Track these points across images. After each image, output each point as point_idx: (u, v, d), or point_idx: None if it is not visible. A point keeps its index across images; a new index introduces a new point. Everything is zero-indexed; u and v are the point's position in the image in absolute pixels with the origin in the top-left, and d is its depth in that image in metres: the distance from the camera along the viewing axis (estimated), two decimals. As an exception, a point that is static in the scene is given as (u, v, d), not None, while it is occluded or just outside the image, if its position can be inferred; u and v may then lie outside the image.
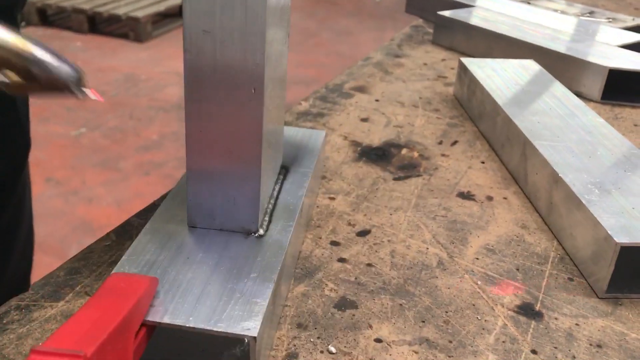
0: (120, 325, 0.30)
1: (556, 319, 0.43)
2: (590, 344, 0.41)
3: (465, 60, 0.80)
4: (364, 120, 0.74)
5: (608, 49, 0.87)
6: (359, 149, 0.67)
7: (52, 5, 3.86)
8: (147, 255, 0.40)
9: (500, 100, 0.68)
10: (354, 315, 0.43)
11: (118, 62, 3.36)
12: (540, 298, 0.45)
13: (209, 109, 0.39)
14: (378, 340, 0.40)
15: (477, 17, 1.02)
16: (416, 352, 0.40)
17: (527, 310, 0.44)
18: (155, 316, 0.34)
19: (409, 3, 1.23)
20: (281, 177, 0.50)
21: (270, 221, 0.44)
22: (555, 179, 0.53)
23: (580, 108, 0.67)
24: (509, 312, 0.44)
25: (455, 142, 0.69)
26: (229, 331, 0.33)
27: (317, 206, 0.55)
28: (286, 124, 0.71)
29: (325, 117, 0.74)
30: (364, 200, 0.57)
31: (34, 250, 0.85)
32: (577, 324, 0.43)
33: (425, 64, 0.95)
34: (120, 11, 3.70)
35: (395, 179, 0.61)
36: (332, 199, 0.57)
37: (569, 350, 0.41)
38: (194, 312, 0.35)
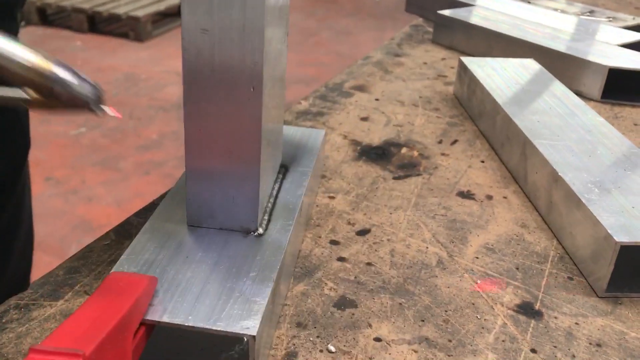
0: (119, 324, 0.30)
1: (556, 318, 0.43)
2: (590, 343, 0.41)
3: (465, 60, 0.80)
4: (364, 119, 0.74)
5: (608, 48, 0.87)
6: (358, 148, 0.67)
7: (51, 5, 3.86)
8: (147, 255, 0.40)
9: (500, 100, 0.68)
10: (353, 314, 0.42)
11: (118, 61, 3.36)
12: (540, 297, 0.45)
13: (208, 108, 0.39)
14: (377, 339, 0.40)
15: (477, 16, 1.02)
16: (416, 351, 0.40)
17: (527, 310, 0.44)
18: (154, 315, 0.34)
19: (409, 2, 1.23)
20: (280, 176, 0.50)
21: (269, 220, 0.44)
22: (555, 178, 0.53)
23: (580, 107, 0.67)
24: (509, 311, 0.44)
25: (455, 141, 0.69)
26: (228, 330, 0.33)
27: (317, 205, 0.55)
28: (286, 123, 0.71)
29: (325, 116, 0.74)
30: (364, 200, 0.57)
31: (34, 250, 0.85)
32: (576, 323, 0.43)
33: (425, 63, 0.95)
34: (120, 10, 3.70)
35: (395, 178, 0.61)
36: (332, 198, 0.57)
37: (569, 350, 0.40)
38: (193, 311, 0.35)
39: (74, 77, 0.31)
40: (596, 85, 0.81)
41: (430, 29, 1.09)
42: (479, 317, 0.43)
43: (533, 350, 0.40)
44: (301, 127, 0.60)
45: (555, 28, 0.97)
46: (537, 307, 0.44)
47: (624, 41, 0.92)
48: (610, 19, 1.08)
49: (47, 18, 3.97)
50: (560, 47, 0.87)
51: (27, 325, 0.40)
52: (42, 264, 0.81)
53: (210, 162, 0.41)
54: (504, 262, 0.49)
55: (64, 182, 2.20)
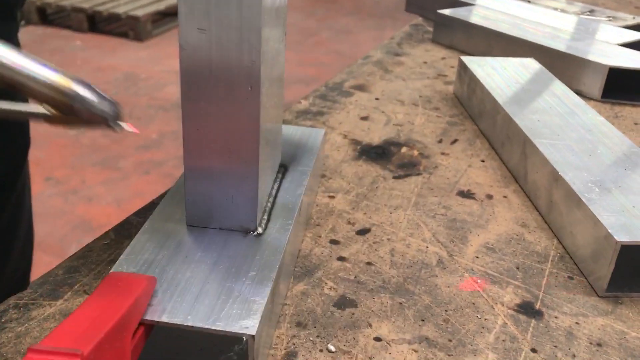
0: (118, 324, 0.30)
1: (556, 317, 0.43)
2: (591, 343, 0.41)
3: (466, 59, 0.80)
4: (364, 118, 0.74)
5: (608, 47, 0.87)
6: (358, 147, 0.67)
7: (51, 4, 3.85)
8: (146, 255, 0.40)
9: (500, 99, 0.68)
10: (353, 313, 0.42)
11: (118, 61, 3.36)
12: (540, 297, 0.45)
13: (206, 107, 0.39)
14: (377, 339, 0.40)
15: (477, 16, 1.02)
16: (416, 351, 0.39)
17: (527, 309, 0.44)
18: (153, 315, 0.34)
19: (409, 1, 1.23)
20: (280, 175, 0.50)
21: (269, 220, 0.44)
22: (555, 178, 0.53)
23: (580, 106, 0.67)
24: (509, 310, 0.44)
25: (455, 141, 0.69)
26: (227, 330, 0.33)
27: (317, 205, 0.55)
28: (286, 122, 0.71)
29: (325, 115, 0.74)
30: (364, 199, 0.56)
31: (34, 249, 0.85)
32: (577, 323, 0.43)
33: (425, 63, 0.95)
34: (120, 10, 3.70)
35: (395, 178, 0.61)
36: (332, 197, 0.56)
37: (569, 349, 0.40)
38: (192, 311, 0.34)
39: (94, 95, 0.32)
40: (596, 85, 0.81)
41: (430, 29, 1.09)
42: (479, 316, 0.43)
43: (533, 350, 0.40)
44: (301, 127, 0.59)
45: (555, 27, 0.97)
46: (537, 306, 0.44)
47: (624, 40, 0.92)
48: (611, 18, 1.08)
49: (47, 17, 3.97)
50: (561, 46, 0.87)
51: (26, 325, 0.40)
52: (42, 263, 0.81)
53: (209, 162, 0.41)
54: (504, 261, 0.49)
55: (64, 181, 2.19)
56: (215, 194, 0.42)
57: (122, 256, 0.39)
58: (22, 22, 3.79)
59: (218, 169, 0.41)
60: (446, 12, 1.03)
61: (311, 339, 0.40)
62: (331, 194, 0.57)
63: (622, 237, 0.44)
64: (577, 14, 1.10)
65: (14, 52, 0.30)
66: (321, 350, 0.39)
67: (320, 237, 0.51)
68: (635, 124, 0.76)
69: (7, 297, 0.43)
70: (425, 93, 0.83)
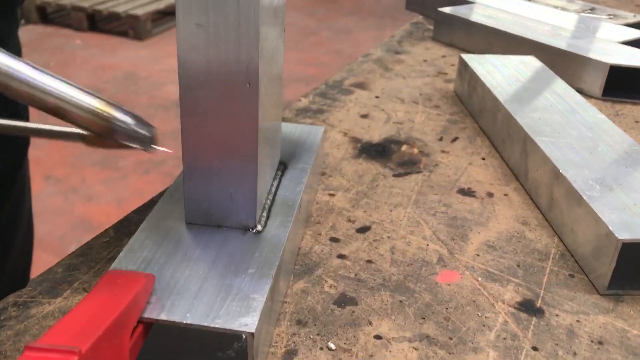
0: (116, 322, 0.30)
1: (557, 315, 0.43)
2: (592, 341, 0.41)
3: (466, 57, 0.80)
4: (364, 116, 0.74)
5: (609, 45, 0.87)
6: (358, 145, 0.66)
7: (51, 3, 3.85)
8: (145, 252, 0.39)
9: (500, 97, 0.68)
10: (353, 311, 0.42)
11: (118, 60, 3.36)
12: (541, 295, 0.45)
13: (204, 104, 0.38)
14: (378, 337, 0.40)
15: (477, 14, 1.01)
16: (416, 349, 0.39)
17: (528, 307, 0.44)
18: (152, 313, 0.34)
19: (409, 0, 1.22)
20: (279, 173, 0.50)
21: (268, 217, 0.44)
22: (556, 175, 0.53)
23: (581, 104, 0.67)
24: (510, 308, 0.43)
25: (455, 139, 0.69)
26: (226, 327, 0.33)
27: (317, 202, 0.55)
28: (286, 120, 0.71)
29: (325, 113, 0.74)
30: (364, 197, 0.56)
31: (33, 248, 0.85)
32: (578, 321, 0.43)
33: (425, 61, 0.95)
34: (120, 9, 3.70)
35: (395, 176, 0.60)
36: (332, 195, 0.56)
37: (570, 347, 0.40)
38: (191, 309, 0.34)
39: (132, 120, 0.33)
40: (597, 83, 0.81)
41: (431, 27, 1.09)
42: (479, 314, 0.43)
43: (534, 348, 0.40)
44: (300, 124, 0.59)
45: (555, 25, 0.96)
46: (538, 304, 0.44)
47: (624, 38, 0.92)
48: (611, 16, 1.07)
49: (47, 16, 3.97)
50: (561, 44, 0.86)
51: (25, 323, 0.40)
52: (42, 262, 0.81)
53: (207, 159, 0.40)
54: (504, 259, 0.49)
55: (64, 180, 2.19)
56: (214, 191, 0.41)
57: (120, 254, 0.39)
58: (22, 21, 3.79)
59: (217, 166, 0.41)
60: (446, 10, 1.03)
61: (311, 336, 0.40)
62: (331, 192, 0.57)
63: (624, 234, 0.44)
64: (578, 12, 1.10)
65: (58, 81, 0.31)
66: (321, 348, 0.39)
67: (320, 234, 0.50)
68: (636, 122, 0.75)
69: (7, 295, 0.43)
70: (425, 91, 0.82)
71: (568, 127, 0.61)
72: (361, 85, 0.83)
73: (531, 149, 0.58)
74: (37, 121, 0.38)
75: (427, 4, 1.17)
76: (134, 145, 0.34)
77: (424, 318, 0.42)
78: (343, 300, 0.43)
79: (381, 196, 0.57)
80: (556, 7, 1.11)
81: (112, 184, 2.18)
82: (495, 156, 0.65)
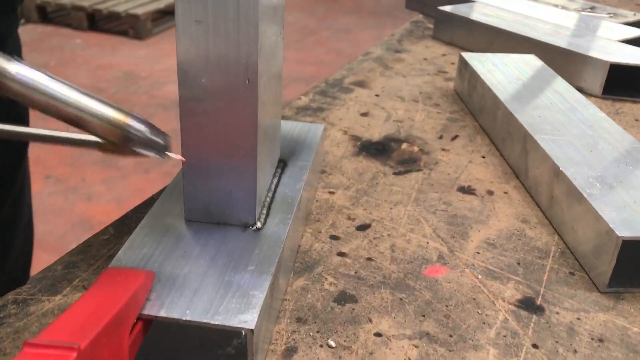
0: (115, 319, 0.30)
1: (557, 313, 0.43)
2: (592, 338, 0.41)
3: (466, 55, 0.80)
4: (364, 114, 0.74)
5: (609, 44, 0.87)
6: (358, 143, 0.66)
7: (51, 3, 3.85)
8: (144, 250, 0.39)
9: (501, 95, 0.67)
10: (353, 309, 0.42)
11: (118, 59, 3.36)
12: (542, 292, 0.45)
13: (204, 100, 0.38)
14: (378, 335, 0.40)
15: (477, 12, 1.01)
16: (416, 347, 0.39)
17: (528, 305, 0.43)
18: (151, 310, 0.34)
19: (409, -1, 1.22)
20: (279, 170, 0.50)
21: (268, 214, 0.44)
22: (557, 173, 0.53)
23: (581, 103, 0.67)
24: (510, 306, 0.43)
25: (455, 137, 0.69)
26: (226, 324, 0.33)
27: (317, 200, 0.55)
28: (286, 118, 0.71)
29: (325, 111, 0.74)
30: (364, 195, 0.56)
31: (33, 248, 0.85)
32: (578, 318, 0.43)
33: (425, 59, 0.95)
34: (120, 8, 3.70)
35: (395, 174, 0.60)
36: (332, 193, 0.56)
37: (571, 345, 0.40)
38: (190, 306, 0.34)
39: (148, 129, 0.34)
40: (597, 81, 0.81)
41: (431, 25, 1.09)
42: (480, 312, 0.43)
43: (535, 346, 0.40)
44: (300, 122, 0.59)
45: (556, 24, 0.96)
46: (538, 302, 0.44)
47: (624, 37, 0.92)
48: (611, 15, 1.07)
49: (47, 16, 3.97)
50: (561, 43, 0.86)
51: (25, 320, 0.40)
52: (42, 262, 0.81)
53: (206, 156, 0.40)
54: (505, 257, 0.49)
55: (64, 180, 2.19)
56: (214, 188, 0.41)
57: (120, 251, 0.39)
58: (22, 21, 3.79)
59: (216, 164, 0.40)
60: (447, 8, 1.03)
61: (311, 334, 0.40)
62: (331, 190, 0.57)
63: (624, 232, 0.44)
64: (578, 10, 1.10)
65: (77, 92, 0.32)
66: (321, 346, 0.39)
67: (320, 232, 0.50)
68: (636, 120, 0.75)
69: (7, 292, 0.42)
70: (425, 89, 0.82)
71: (568, 125, 0.61)
72: (361, 84, 0.83)
73: (531, 147, 0.58)
74: (35, 125, 0.39)
75: (427, 2, 1.17)
76: (149, 153, 0.35)
77: (424, 315, 0.42)
78: (343, 298, 0.43)
79: (381, 194, 0.56)
80: (556, 6, 1.11)
81: (112, 183, 2.18)
82: (496, 154, 0.65)
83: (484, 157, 0.65)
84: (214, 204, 0.42)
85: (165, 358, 0.36)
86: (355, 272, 0.46)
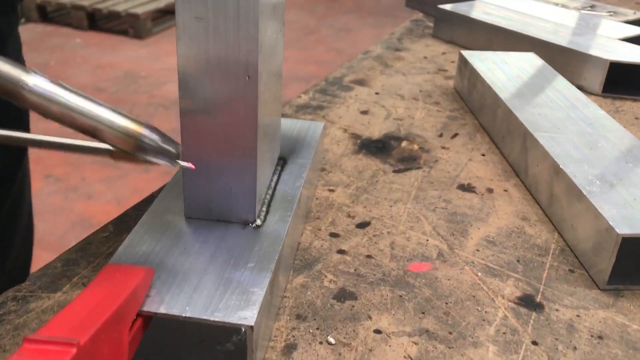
0: (115, 315, 0.30)
1: (557, 310, 0.43)
2: (592, 335, 0.41)
3: (466, 53, 0.80)
4: (364, 113, 0.74)
5: (609, 42, 0.87)
6: (358, 141, 0.66)
7: (51, 2, 3.85)
8: (144, 247, 0.39)
9: (501, 93, 0.67)
10: (353, 306, 0.42)
11: (118, 58, 3.36)
12: (541, 290, 0.45)
13: (204, 97, 0.38)
14: (377, 332, 0.40)
15: (477, 11, 1.01)
16: (416, 344, 0.39)
17: (528, 302, 0.43)
18: (151, 306, 0.34)
19: (409, -3, 1.22)
20: (279, 168, 0.50)
21: (267, 212, 0.44)
22: (556, 171, 0.53)
23: (581, 101, 0.67)
24: (510, 303, 0.43)
25: (455, 135, 0.69)
26: (225, 321, 0.33)
27: (317, 198, 0.55)
28: (286, 116, 0.71)
29: (325, 109, 0.74)
30: (364, 192, 0.56)
31: (33, 247, 0.85)
32: (578, 316, 0.43)
33: (425, 58, 0.95)
34: (120, 8, 3.70)
35: (395, 172, 0.60)
36: (332, 191, 0.56)
37: (570, 342, 0.40)
38: (190, 302, 0.34)
39: (160, 138, 0.35)
40: (597, 80, 0.81)
41: (431, 24, 1.09)
42: (479, 309, 0.43)
43: (534, 343, 0.40)
44: (300, 120, 0.59)
45: (556, 22, 0.96)
46: (538, 299, 0.44)
47: (624, 35, 0.92)
48: (611, 13, 1.07)
49: (47, 15, 3.97)
50: (562, 41, 0.86)
51: (24, 317, 0.40)
52: (42, 260, 0.81)
53: (206, 153, 0.40)
54: (504, 254, 0.49)
55: (64, 179, 2.19)
56: (214, 185, 0.41)
57: (120, 248, 0.39)
58: (22, 20, 3.79)
59: (216, 161, 0.40)
60: (447, 7, 1.03)
61: (311, 331, 0.40)
62: (331, 188, 0.57)
63: (623, 229, 0.44)
64: (578, 9, 1.10)
65: (91, 102, 0.33)
66: (321, 343, 0.39)
67: (320, 230, 0.50)
68: (636, 118, 0.75)
69: (7, 290, 0.42)
70: (425, 88, 0.82)
71: (568, 123, 0.61)
72: (361, 82, 0.83)
73: (531, 144, 0.58)
74: (35, 125, 0.39)
75: (427, 1, 1.17)
76: (161, 162, 0.36)
77: (423, 313, 0.42)
78: (343, 295, 0.43)
79: (381, 192, 0.56)
80: (556, 4, 1.11)
81: (112, 182, 2.18)
82: (495, 152, 0.65)
83: (483, 155, 0.65)
84: (214, 201, 0.42)
85: (164, 354, 0.36)
86: (355, 270, 0.46)
